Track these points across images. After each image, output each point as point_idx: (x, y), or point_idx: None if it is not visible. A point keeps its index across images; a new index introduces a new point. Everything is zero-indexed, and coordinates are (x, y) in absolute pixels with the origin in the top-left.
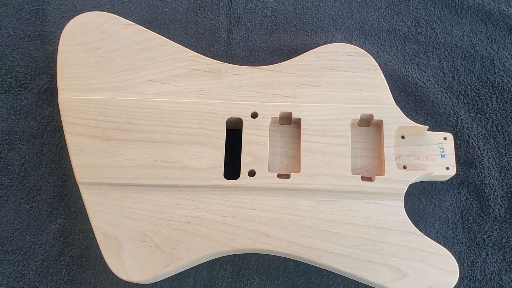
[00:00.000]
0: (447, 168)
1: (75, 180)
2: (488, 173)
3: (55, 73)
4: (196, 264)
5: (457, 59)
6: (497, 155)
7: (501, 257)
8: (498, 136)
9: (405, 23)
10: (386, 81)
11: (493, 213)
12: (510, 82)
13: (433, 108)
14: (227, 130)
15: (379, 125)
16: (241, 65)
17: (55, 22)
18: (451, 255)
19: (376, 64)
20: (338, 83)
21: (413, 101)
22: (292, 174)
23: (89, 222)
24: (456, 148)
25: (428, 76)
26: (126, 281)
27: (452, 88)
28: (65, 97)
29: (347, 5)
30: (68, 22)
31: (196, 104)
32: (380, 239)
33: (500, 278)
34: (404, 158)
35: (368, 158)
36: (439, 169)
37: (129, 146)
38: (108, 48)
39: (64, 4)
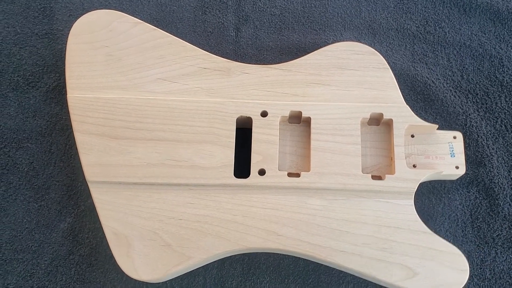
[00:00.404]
0: (457, 167)
1: (84, 179)
2: (497, 172)
3: (63, 71)
4: (207, 263)
5: (465, 58)
6: (506, 154)
7: (511, 256)
8: (507, 135)
9: (413, 22)
10: (396, 79)
11: (502, 212)
12: None
13: (442, 107)
14: (236, 129)
15: (388, 124)
16: (250, 63)
17: (63, 20)
18: (462, 254)
19: (386, 62)
20: (347, 82)
21: (422, 100)
22: (302, 173)
23: (99, 220)
24: (465, 147)
25: (437, 75)
26: (136, 280)
27: (461, 87)
28: (74, 96)
29: (355, 4)
30: (76, 20)
31: (206, 102)
32: (390, 238)
33: (510, 276)
34: (414, 157)
35: (378, 157)
36: (449, 168)
37: (139, 145)
38: (117, 47)
39: (71, 2)
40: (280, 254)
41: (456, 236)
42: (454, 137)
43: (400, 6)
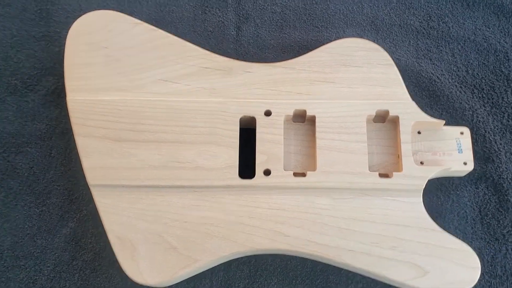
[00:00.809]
0: (465, 163)
1: (86, 183)
2: (506, 168)
3: (62, 74)
4: (213, 265)
5: (470, 53)
6: None
7: None
8: None
9: (416, 17)
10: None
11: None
12: None
13: (448, 103)
14: (240, 129)
15: (395, 121)
16: (251, 62)
17: (60, 22)
18: (473, 251)
19: (390, 58)
20: (352, 79)
21: (428, 96)
22: (308, 173)
23: (102, 225)
24: (472, 143)
25: (442, 70)
26: (141, 285)
27: (467, 82)
28: (74, 98)
29: (357, 0)
30: (73, 22)
31: (208, 103)
32: (399, 236)
33: None
34: (421, 154)
35: (385, 155)
36: (457, 164)
37: (141, 147)
38: (116, 47)
39: (68, 3)
40: (288, 255)
41: (465, 233)
42: (461, 133)
43: (403, 2)
